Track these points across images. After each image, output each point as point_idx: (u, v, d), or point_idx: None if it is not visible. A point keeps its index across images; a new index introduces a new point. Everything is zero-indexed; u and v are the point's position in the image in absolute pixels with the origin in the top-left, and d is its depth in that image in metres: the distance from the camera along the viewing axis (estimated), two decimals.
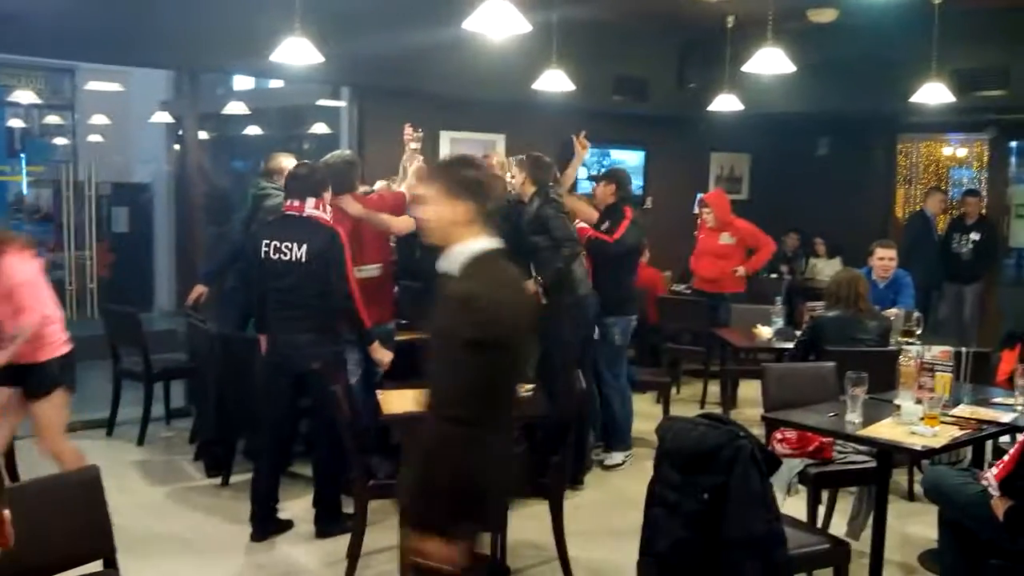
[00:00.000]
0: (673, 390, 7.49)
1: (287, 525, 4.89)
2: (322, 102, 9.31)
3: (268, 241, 4.67)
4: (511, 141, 8.22)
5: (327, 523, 4.82)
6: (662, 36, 9.02)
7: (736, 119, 8.32)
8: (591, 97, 8.03)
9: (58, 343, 4.52)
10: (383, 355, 4.92)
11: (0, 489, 1.63)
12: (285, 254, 4.61)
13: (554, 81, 6.48)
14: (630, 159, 9.67)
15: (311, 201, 4.65)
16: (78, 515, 3.03)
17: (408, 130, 5.64)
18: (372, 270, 5.24)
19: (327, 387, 4.39)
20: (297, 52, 5.28)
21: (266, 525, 4.80)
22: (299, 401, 4.96)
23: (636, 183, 8.81)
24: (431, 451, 2.29)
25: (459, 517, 2.27)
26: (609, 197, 6.02)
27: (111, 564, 3.16)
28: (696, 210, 8.61)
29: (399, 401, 4.20)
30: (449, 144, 8.10)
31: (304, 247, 4.58)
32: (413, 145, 5.60)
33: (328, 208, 4.76)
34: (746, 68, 6.18)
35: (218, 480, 5.59)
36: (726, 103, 7.54)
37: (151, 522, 4.96)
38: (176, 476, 5.80)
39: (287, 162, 5.73)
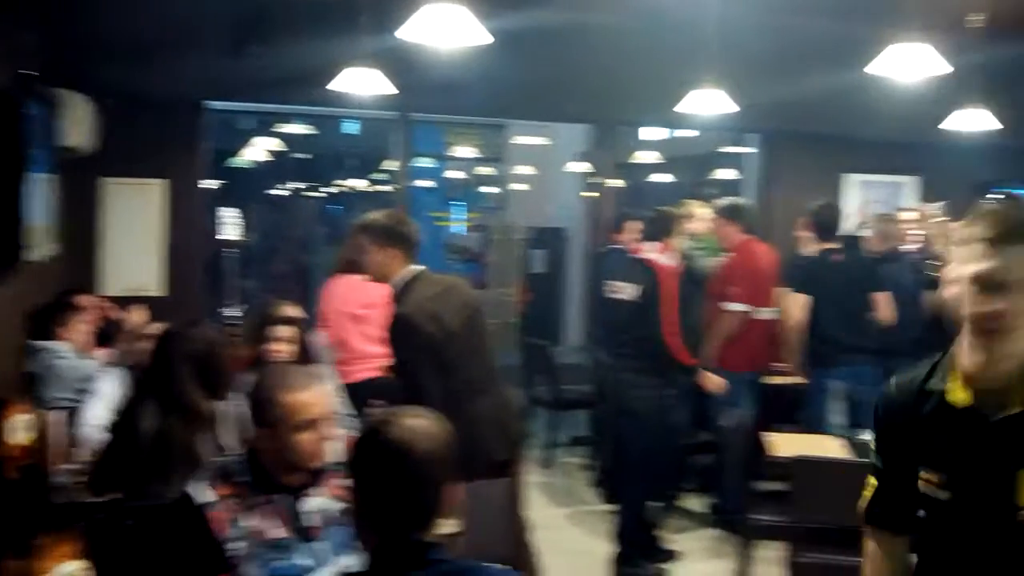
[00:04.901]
0: None
1: (669, 555, 5.09)
2: (725, 148, 9.47)
3: (609, 281, 4.98)
4: (926, 184, 7.82)
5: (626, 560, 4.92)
6: None
7: None
8: (1010, 134, 7.40)
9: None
10: (710, 382, 5.08)
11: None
12: (618, 292, 4.88)
13: (971, 119, 6.07)
14: None
15: (653, 244, 4.88)
16: (500, 522, 3.31)
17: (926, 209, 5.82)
18: (768, 313, 5.33)
19: (640, 425, 4.58)
20: (710, 102, 5.39)
21: (652, 553, 5.03)
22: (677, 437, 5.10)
23: None
24: None
25: None
26: None
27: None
28: None
29: (785, 444, 4.26)
30: (858, 187, 7.90)
31: (632, 286, 4.81)
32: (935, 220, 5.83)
33: (671, 252, 4.91)
34: None
35: (615, 507, 5.91)
36: None
37: (548, 538, 5.34)
38: (575, 499, 6.23)
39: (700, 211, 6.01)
